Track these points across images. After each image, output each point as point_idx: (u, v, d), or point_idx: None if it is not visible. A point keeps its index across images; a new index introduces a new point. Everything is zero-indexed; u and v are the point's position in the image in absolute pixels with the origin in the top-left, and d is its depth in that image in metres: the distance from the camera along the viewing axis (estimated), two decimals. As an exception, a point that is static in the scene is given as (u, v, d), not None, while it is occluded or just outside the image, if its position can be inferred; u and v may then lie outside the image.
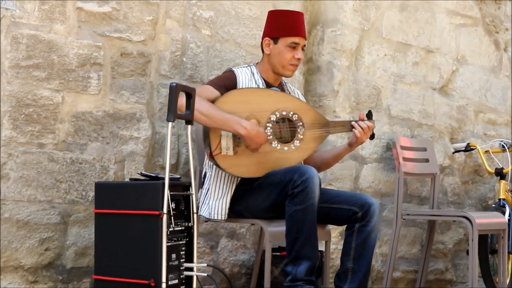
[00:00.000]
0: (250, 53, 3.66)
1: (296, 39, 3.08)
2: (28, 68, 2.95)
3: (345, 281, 2.99)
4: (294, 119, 3.05)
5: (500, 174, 4.30)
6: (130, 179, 2.99)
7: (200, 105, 2.86)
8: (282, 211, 2.88)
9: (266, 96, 3.06)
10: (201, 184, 3.14)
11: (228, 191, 3.03)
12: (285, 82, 3.29)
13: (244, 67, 3.17)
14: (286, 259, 2.88)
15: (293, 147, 3.04)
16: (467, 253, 3.77)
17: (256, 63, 3.21)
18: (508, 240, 3.98)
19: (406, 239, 4.29)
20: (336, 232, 3.82)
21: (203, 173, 3.15)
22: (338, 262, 3.15)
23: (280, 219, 2.93)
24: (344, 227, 3.08)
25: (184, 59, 3.43)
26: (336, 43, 3.95)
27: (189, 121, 2.75)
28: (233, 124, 2.90)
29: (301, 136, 3.05)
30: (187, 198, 2.85)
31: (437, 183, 4.24)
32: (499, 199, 4.24)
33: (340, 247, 3.14)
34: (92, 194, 3.08)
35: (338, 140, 3.89)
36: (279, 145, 3.02)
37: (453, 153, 4.52)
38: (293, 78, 3.79)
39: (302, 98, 3.32)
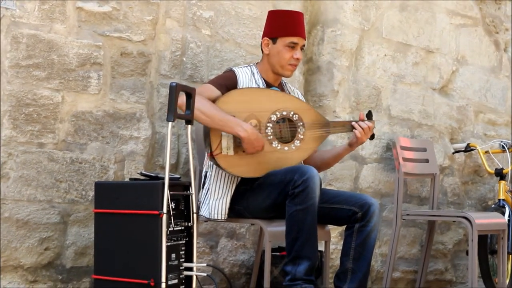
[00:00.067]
0: (250, 53, 3.66)
1: (294, 39, 3.08)
2: (28, 68, 2.95)
3: (345, 281, 2.99)
4: (295, 119, 3.05)
5: (500, 174, 4.30)
6: (130, 179, 2.99)
7: (201, 104, 2.86)
8: (282, 211, 2.88)
9: (266, 96, 3.06)
10: (202, 184, 3.14)
11: (228, 191, 3.03)
12: (285, 82, 3.29)
13: (244, 67, 3.17)
14: (286, 259, 2.88)
15: (294, 147, 3.04)
16: (467, 253, 3.77)
17: (256, 63, 3.21)
18: (508, 240, 3.98)
19: (406, 239, 4.30)
20: (335, 232, 3.82)
21: (203, 173, 3.15)
22: (337, 262, 3.15)
23: (280, 219, 2.93)
24: (344, 227, 3.08)
25: (184, 59, 3.43)
26: (336, 43, 3.95)
27: (189, 121, 2.75)
28: (234, 125, 2.90)
29: (302, 136, 3.05)
30: (187, 198, 2.85)
31: (437, 183, 4.24)
32: (499, 200, 4.24)
33: (340, 247, 3.14)
34: (92, 193, 3.08)
35: (338, 140, 3.89)
36: (279, 145, 3.02)
37: (453, 153, 4.52)
38: (293, 78, 3.79)
39: (302, 98, 3.32)
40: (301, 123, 3.05)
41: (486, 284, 4.11)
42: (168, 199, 2.64)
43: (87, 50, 3.11)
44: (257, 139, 2.93)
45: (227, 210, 3.02)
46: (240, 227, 3.66)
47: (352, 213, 3.00)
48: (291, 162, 3.01)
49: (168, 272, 2.69)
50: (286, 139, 3.05)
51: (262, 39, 3.15)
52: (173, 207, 2.77)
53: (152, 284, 2.66)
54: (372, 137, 3.15)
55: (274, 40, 3.10)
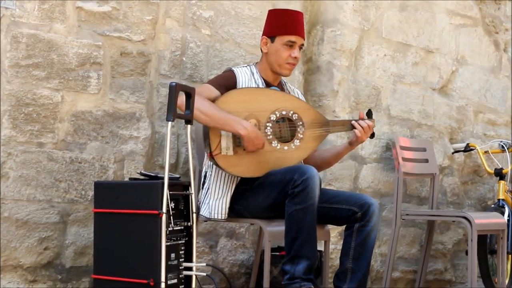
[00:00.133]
0: (250, 53, 3.67)
1: (292, 38, 3.08)
2: (28, 67, 2.95)
3: (344, 281, 2.99)
4: (294, 118, 3.05)
5: (500, 174, 4.30)
6: (130, 178, 2.99)
7: (201, 104, 2.86)
8: (282, 210, 2.88)
9: (265, 95, 3.06)
10: (202, 184, 3.14)
11: (228, 190, 3.03)
12: (285, 82, 3.29)
13: (243, 66, 3.17)
14: (285, 258, 2.88)
15: (293, 147, 3.04)
16: (466, 253, 3.77)
17: (256, 63, 3.21)
18: (507, 240, 3.98)
19: (406, 239, 4.30)
20: (335, 232, 3.82)
21: (203, 173, 3.15)
22: (337, 262, 3.15)
23: (280, 219, 2.93)
24: (344, 227, 3.08)
25: (184, 58, 3.43)
26: (336, 43, 3.95)
27: (188, 121, 2.75)
28: (234, 124, 2.90)
29: (301, 136, 3.05)
30: (187, 198, 2.85)
31: (436, 183, 4.24)
32: (498, 200, 4.24)
33: (340, 247, 3.14)
34: (91, 193, 3.08)
35: (338, 140, 3.89)
36: (279, 144, 3.02)
37: (453, 153, 4.52)
38: (293, 78, 3.79)
39: (302, 97, 3.32)
40: (301, 123, 3.05)
41: (486, 284, 4.11)
42: (167, 199, 2.64)
43: (86, 49, 3.11)
44: (257, 137, 2.93)
45: (227, 210, 3.02)
46: (240, 227, 3.66)
47: (351, 213, 3.00)
48: (290, 161, 3.01)
49: (167, 271, 2.69)
50: (285, 139, 3.05)
51: (261, 38, 3.15)
52: (173, 206, 2.77)
53: (151, 283, 2.66)
54: (372, 135, 3.15)
55: (272, 38, 3.10)
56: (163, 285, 2.62)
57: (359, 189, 4.04)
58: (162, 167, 3.33)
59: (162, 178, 2.68)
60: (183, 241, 2.83)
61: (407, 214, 4.01)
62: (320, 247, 3.20)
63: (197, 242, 3.07)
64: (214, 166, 3.04)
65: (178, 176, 2.97)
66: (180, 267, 2.81)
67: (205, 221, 3.13)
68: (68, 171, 3.06)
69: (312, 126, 3.07)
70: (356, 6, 4.04)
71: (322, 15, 3.98)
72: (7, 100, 2.91)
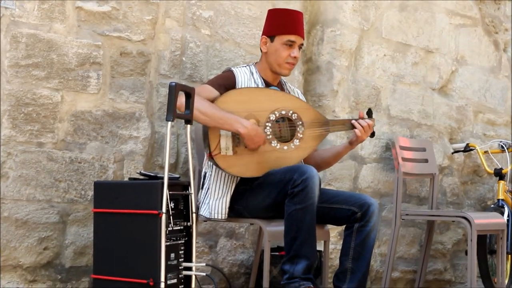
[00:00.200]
0: (250, 53, 3.67)
1: (292, 37, 3.08)
2: (28, 67, 2.95)
3: (344, 281, 2.98)
4: (294, 118, 3.05)
5: (499, 174, 4.30)
6: (129, 178, 2.99)
7: (200, 104, 2.86)
8: (282, 210, 2.88)
9: (265, 95, 3.06)
10: (201, 184, 3.14)
11: (228, 190, 3.03)
12: (284, 82, 3.29)
13: (243, 66, 3.17)
14: (284, 258, 2.88)
15: (293, 146, 3.04)
16: (466, 253, 3.77)
17: (255, 63, 3.21)
18: (507, 240, 3.98)
19: (405, 239, 4.30)
20: (335, 232, 3.82)
21: (202, 173, 3.15)
22: (337, 262, 3.15)
23: (280, 219, 2.93)
24: (343, 227, 3.08)
25: (184, 58, 3.43)
26: (336, 43, 3.95)
27: (188, 121, 2.75)
28: (233, 122, 2.91)
29: (301, 135, 3.05)
30: (186, 198, 2.85)
31: (436, 183, 4.24)
32: (498, 200, 4.24)
33: (339, 247, 3.14)
34: (91, 193, 3.08)
35: (337, 140, 3.89)
36: (278, 144, 3.02)
37: (452, 153, 4.52)
38: (293, 78, 3.79)
39: (302, 97, 3.32)
40: (300, 122, 3.05)
41: (485, 284, 4.11)
42: (167, 199, 2.64)
43: (86, 49, 3.11)
44: (257, 134, 2.93)
45: (227, 210, 3.02)
46: (239, 227, 3.66)
47: (351, 213, 3.00)
48: (290, 161, 3.01)
49: (167, 271, 2.69)
50: (285, 138, 3.05)
51: (261, 37, 3.15)
52: (172, 206, 2.77)
53: (151, 283, 2.66)
54: (372, 134, 3.15)
55: (272, 38, 3.10)
56: (162, 285, 2.62)
57: (358, 189, 4.04)
58: (162, 167, 3.33)
59: (162, 178, 2.68)
60: (183, 241, 2.83)
61: (407, 214, 4.01)
62: (320, 247, 3.20)
63: (196, 242, 3.07)
64: (214, 166, 3.04)
65: (177, 176, 2.97)
66: (180, 267, 2.81)
67: (204, 221, 3.13)
68: (67, 171, 3.06)
69: (312, 126, 3.07)
70: (356, 6, 4.04)
71: (322, 15, 3.98)
72: (7, 100, 2.91)
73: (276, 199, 2.92)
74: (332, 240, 3.74)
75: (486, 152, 4.46)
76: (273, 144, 3.01)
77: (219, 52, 3.56)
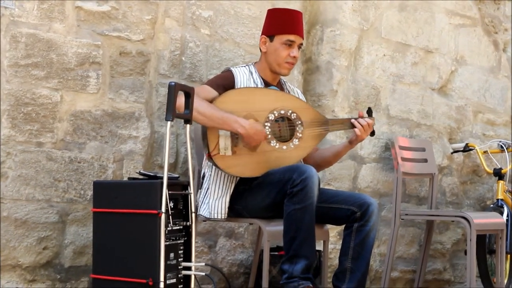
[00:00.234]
0: (249, 53, 3.67)
1: (291, 37, 3.08)
2: (27, 67, 2.95)
3: (344, 280, 2.99)
4: (293, 118, 3.05)
5: (499, 174, 4.30)
6: (129, 178, 2.99)
7: (198, 104, 2.86)
8: (281, 210, 2.88)
9: (264, 95, 3.06)
10: (200, 184, 3.14)
11: (227, 190, 3.03)
12: (284, 81, 3.29)
13: (242, 66, 3.18)
14: (284, 258, 2.88)
15: (292, 146, 3.04)
16: (465, 253, 3.77)
17: (255, 63, 3.21)
18: (506, 240, 3.98)
19: (405, 239, 4.30)
20: (334, 232, 3.82)
21: (202, 173, 3.15)
22: (336, 261, 3.16)
23: (279, 219, 2.93)
24: (343, 226, 3.08)
25: (183, 58, 3.43)
26: (335, 43, 3.95)
27: (187, 120, 2.75)
28: (232, 122, 2.91)
29: (300, 135, 3.05)
30: (186, 197, 2.85)
31: (435, 183, 4.24)
32: (497, 200, 4.24)
33: (339, 246, 3.14)
34: (90, 193, 3.08)
35: (337, 140, 3.89)
36: (277, 144, 3.02)
37: (452, 153, 4.52)
38: (292, 78, 3.79)
39: (301, 97, 3.32)
40: (300, 122, 3.05)
41: (484, 284, 4.11)
42: (166, 199, 2.64)
43: (86, 49, 3.11)
44: (256, 133, 2.93)
45: (226, 210, 3.03)
46: (239, 227, 3.66)
47: (351, 213, 3.00)
48: (289, 161, 3.01)
49: (166, 271, 2.69)
50: (285, 138, 3.05)
51: (260, 37, 3.15)
52: (172, 206, 2.77)
53: (150, 283, 2.66)
54: (372, 133, 3.16)
55: (271, 38, 3.10)
56: (162, 284, 2.62)
57: (358, 189, 4.04)
58: (161, 167, 3.33)
59: (161, 178, 2.68)
60: (182, 241, 2.83)
61: (406, 214, 4.01)
62: (319, 246, 3.20)
63: (196, 242, 3.08)
64: (214, 166, 3.04)
65: (177, 175, 2.97)
66: (179, 267, 2.81)
67: (204, 220, 3.13)
68: (67, 170, 3.06)
69: (311, 125, 3.07)
70: (356, 6, 4.04)
71: (321, 15, 3.98)
72: (6, 100, 2.91)
73: (275, 199, 2.92)
74: (331, 239, 3.74)
75: (485, 152, 4.46)
76: (272, 144, 3.01)
77: (219, 52, 3.56)
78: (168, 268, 2.72)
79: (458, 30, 4.61)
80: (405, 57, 4.30)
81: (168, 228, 2.74)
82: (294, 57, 3.10)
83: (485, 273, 4.09)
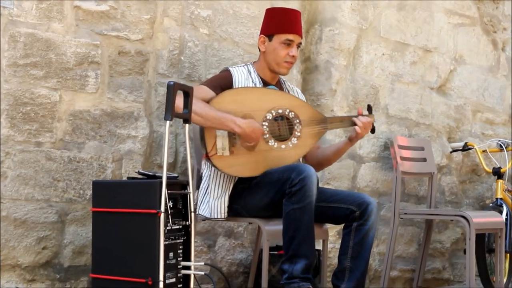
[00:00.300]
0: (248, 52, 3.67)
1: (290, 36, 3.08)
2: (26, 67, 2.95)
3: (343, 280, 2.99)
4: (291, 116, 3.05)
5: (498, 173, 4.30)
6: (128, 177, 2.99)
7: (195, 105, 2.85)
8: (280, 209, 2.88)
9: (261, 95, 3.06)
10: (198, 184, 3.14)
11: (226, 190, 3.03)
12: (283, 80, 3.29)
13: (241, 66, 3.17)
14: (283, 257, 2.88)
15: (290, 145, 3.04)
16: (465, 252, 3.77)
17: (254, 62, 3.21)
18: (505, 239, 3.99)
19: (404, 238, 4.30)
20: (333, 231, 3.82)
21: (200, 173, 3.15)
22: (335, 261, 3.16)
23: (278, 218, 2.93)
24: (342, 226, 3.08)
25: (182, 58, 3.43)
26: (334, 42, 3.95)
27: (186, 120, 2.75)
28: (228, 122, 2.91)
29: (298, 134, 3.05)
30: (185, 197, 2.85)
31: (434, 182, 4.24)
32: (497, 199, 4.24)
33: (338, 246, 3.14)
34: (89, 192, 3.08)
35: (336, 139, 3.89)
36: (276, 143, 3.02)
37: (451, 152, 4.52)
38: (291, 77, 3.79)
39: (301, 96, 3.32)
40: (298, 120, 3.05)
41: (484, 283, 4.12)
42: (166, 198, 2.64)
43: (84, 49, 3.10)
44: (253, 131, 2.93)
45: (226, 209, 3.03)
46: (238, 226, 3.66)
47: (350, 212, 3.00)
48: (288, 160, 3.01)
49: (166, 271, 2.69)
50: (285, 137, 3.05)
51: (259, 37, 3.15)
52: (171, 206, 2.77)
53: (149, 283, 2.66)
54: (372, 130, 3.15)
55: (270, 37, 3.10)
56: (161, 284, 2.62)
57: (357, 188, 4.05)
58: (160, 166, 3.33)
59: (160, 177, 2.68)
60: (182, 240, 2.83)
61: (405, 213, 4.02)
62: (319, 246, 3.20)
63: (195, 241, 3.08)
64: (212, 166, 3.04)
65: (176, 175, 2.97)
66: (179, 266, 2.81)
67: (203, 220, 3.13)
68: (66, 170, 3.06)
69: (310, 124, 3.07)
70: (354, 5, 4.04)
71: (320, 14, 3.98)
72: (5, 99, 2.91)
73: (274, 198, 2.92)
74: (330, 239, 3.74)
75: (484, 151, 4.47)
76: (270, 143, 3.01)
77: (218, 51, 3.56)
78: (167, 268, 2.72)
79: (457, 29, 4.61)
80: (404, 57, 4.31)
81: (168, 228, 2.74)
82: (293, 56, 3.10)
83: (485, 272, 4.09)
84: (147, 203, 2.71)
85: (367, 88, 4.12)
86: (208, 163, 3.07)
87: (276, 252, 3.50)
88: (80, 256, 3.10)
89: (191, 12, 3.47)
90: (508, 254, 4.14)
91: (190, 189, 2.82)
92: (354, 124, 3.09)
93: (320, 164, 3.22)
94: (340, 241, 3.05)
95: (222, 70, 3.20)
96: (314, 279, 2.94)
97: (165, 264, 2.68)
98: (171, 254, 2.77)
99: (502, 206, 4.17)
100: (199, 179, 3.18)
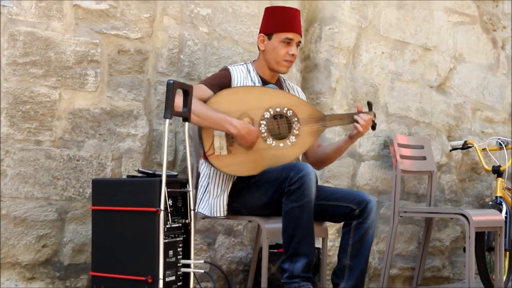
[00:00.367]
0: (248, 51, 3.67)
1: (289, 35, 3.08)
2: (25, 65, 2.96)
3: (342, 278, 2.99)
4: (289, 115, 3.05)
5: (497, 171, 4.30)
6: (127, 176, 2.99)
7: (192, 105, 2.86)
8: (279, 208, 2.89)
9: (259, 93, 3.05)
10: (196, 183, 3.14)
11: (226, 188, 3.03)
12: (284, 79, 3.28)
13: (240, 65, 3.18)
14: (283, 256, 2.88)
15: (289, 143, 3.04)
16: (464, 250, 3.77)
17: (253, 61, 3.21)
18: (505, 237, 3.99)
19: (403, 236, 4.30)
20: (333, 229, 3.82)
21: (197, 172, 3.15)
22: (335, 259, 3.16)
23: (277, 216, 2.94)
24: (341, 224, 3.08)
25: (182, 56, 3.44)
26: (334, 40, 3.96)
27: (186, 118, 2.76)
28: (224, 123, 2.91)
29: (297, 132, 3.05)
30: (184, 195, 2.85)
31: (434, 180, 4.24)
32: (496, 197, 4.24)
33: (337, 244, 3.14)
34: (89, 191, 3.08)
35: (335, 137, 3.90)
36: (274, 142, 3.02)
37: (451, 150, 4.52)
38: (291, 76, 3.79)
39: (301, 94, 3.31)
40: (296, 119, 3.05)
41: (483, 281, 4.12)
42: (165, 196, 2.65)
43: (84, 47, 3.11)
44: (248, 132, 2.93)
45: (225, 207, 3.03)
46: (238, 224, 3.67)
47: (349, 210, 3.00)
48: (287, 158, 3.01)
49: (165, 269, 2.69)
50: (284, 135, 3.05)
51: (258, 35, 3.15)
52: (171, 204, 2.77)
53: (149, 281, 2.67)
54: (373, 127, 3.15)
55: (269, 36, 3.10)
56: (161, 282, 2.62)
57: (357, 186, 4.05)
58: (160, 165, 3.33)
59: (160, 176, 2.69)
60: (181, 238, 2.84)
61: (405, 212, 4.02)
62: (318, 244, 3.20)
63: (195, 240, 3.08)
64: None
65: (176, 173, 2.97)
66: (178, 264, 2.81)
67: (203, 218, 3.14)
68: (66, 168, 3.07)
69: (309, 122, 3.07)
70: (354, 4, 4.04)
71: (319, 13, 3.98)
72: (5, 98, 2.91)
73: (273, 197, 2.92)
74: (330, 237, 3.75)
75: (484, 149, 4.47)
76: (268, 142, 3.01)
77: (217, 50, 3.57)
78: (167, 266, 2.73)
79: (456, 28, 4.61)
80: (403, 55, 4.31)
81: (167, 226, 2.74)
82: (293, 55, 3.10)
83: (484, 270, 4.10)
84: (146, 201, 2.71)
85: (367, 87, 4.12)
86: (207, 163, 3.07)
87: (275, 250, 3.50)
88: (80, 254, 3.11)
89: (190, 11, 3.47)
90: (507, 252, 4.14)
91: (190, 187, 2.82)
92: (354, 121, 3.09)
93: (322, 162, 3.23)
94: (339, 239, 3.06)
95: (221, 69, 3.20)
96: (314, 277, 2.94)
97: (165, 262, 2.69)
98: (170, 252, 2.77)
99: (502, 205, 4.17)
100: (197, 177, 3.18)
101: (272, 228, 2.98)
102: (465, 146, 4.41)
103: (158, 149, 3.36)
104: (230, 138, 2.98)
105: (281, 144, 3.03)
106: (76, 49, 3.08)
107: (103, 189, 2.84)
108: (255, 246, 3.55)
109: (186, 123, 2.77)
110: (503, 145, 4.43)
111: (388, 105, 4.23)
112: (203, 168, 3.12)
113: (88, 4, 3.11)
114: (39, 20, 2.99)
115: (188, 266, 2.81)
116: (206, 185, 3.08)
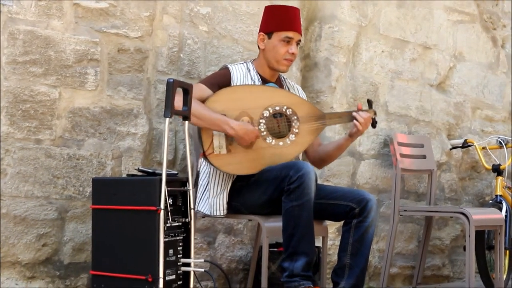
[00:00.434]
0: (248, 49, 3.67)
1: (289, 34, 3.08)
2: (25, 64, 2.95)
3: (342, 276, 2.99)
4: (288, 113, 3.05)
5: (497, 170, 4.30)
6: (127, 175, 2.99)
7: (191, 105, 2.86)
8: (278, 207, 2.89)
9: (259, 92, 3.05)
10: (195, 182, 3.14)
11: (225, 187, 3.03)
12: (284, 78, 3.28)
13: (240, 63, 3.17)
14: (283, 255, 2.88)
15: (288, 142, 3.04)
16: (464, 249, 3.77)
17: (253, 60, 3.21)
18: (505, 236, 3.99)
19: (403, 235, 4.30)
20: (333, 228, 3.82)
21: (197, 171, 3.15)
22: (335, 258, 3.16)
23: (277, 215, 2.94)
24: (341, 223, 3.08)
25: (182, 55, 3.43)
26: (334, 39, 3.95)
27: (186, 117, 2.76)
28: (222, 124, 2.91)
29: (296, 130, 3.05)
30: (184, 194, 2.85)
31: (434, 179, 4.24)
32: (496, 195, 4.24)
33: (337, 243, 3.14)
34: (89, 190, 3.08)
35: (335, 136, 3.90)
36: (273, 140, 3.02)
37: (450, 149, 4.52)
38: (291, 74, 3.79)
39: (302, 93, 3.31)
40: (295, 117, 3.05)
41: (483, 280, 4.12)
42: (165, 195, 2.65)
43: (84, 46, 3.11)
44: (246, 133, 2.93)
45: (225, 206, 3.03)
46: (238, 223, 3.67)
47: (349, 209, 3.00)
48: (286, 157, 3.01)
49: (165, 267, 2.69)
50: (284, 134, 3.05)
51: (258, 34, 3.15)
52: (171, 203, 2.77)
53: (149, 279, 2.67)
54: (374, 125, 3.15)
55: (269, 35, 3.10)
56: (161, 281, 2.63)
57: (357, 185, 4.05)
58: (160, 164, 3.33)
59: (160, 175, 2.69)
60: (181, 237, 2.84)
61: (405, 210, 4.02)
62: (318, 243, 3.20)
63: (195, 238, 3.08)
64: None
65: (176, 172, 2.97)
66: (178, 263, 2.81)
67: (203, 217, 3.14)
68: (66, 167, 3.07)
69: (308, 120, 3.07)
70: (354, 3, 4.04)
71: (319, 12, 3.98)
72: (5, 97, 2.91)
73: (272, 196, 2.92)
74: (330, 236, 3.75)
75: (484, 148, 4.47)
76: (268, 141, 3.01)
77: (217, 49, 3.56)
78: (167, 265, 2.73)
79: (456, 27, 4.61)
80: (403, 54, 4.31)
81: (167, 225, 2.74)
82: (293, 53, 3.10)
83: (484, 269, 4.10)
84: (146, 200, 2.71)
85: (367, 85, 4.12)
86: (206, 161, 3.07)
87: (275, 249, 3.50)
88: (80, 253, 3.11)
89: (190, 10, 3.47)
90: (507, 251, 4.14)
91: (190, 186, 2.83)
92: (354, 119, 3.09)
93: (323, 160, 3.22)
94: (339, 238, 3.06)
95: (221, 68, 3.20)
96: (314, 276, 2.95)
97: (165, 261, 2.69)
98: (171, 251, 2.77)
99: (502, 203, 4.17)
100: (196, 176, 3.18)
101: (272, 227, 2.98)
102: (465, 145, 4.41)
103: (158, 148, 3.36)
104: (230, 137, 2.97)
105: (281, 143, 3.03)
106: (76, 47, 3.08)
107: (103, 188, 2.84)
108: (255, 245, 3.55)
109: (186, 122, 2.77)
110: (503, 144, 4.43)
111: (388, 103, 4.23)
112: (203, 167, 3.12)
113: (88, 2, 3.11)
114: (39, 18, 2.98)
115: (188, 265, 2.81)
116: (206, 184, 3.08)
